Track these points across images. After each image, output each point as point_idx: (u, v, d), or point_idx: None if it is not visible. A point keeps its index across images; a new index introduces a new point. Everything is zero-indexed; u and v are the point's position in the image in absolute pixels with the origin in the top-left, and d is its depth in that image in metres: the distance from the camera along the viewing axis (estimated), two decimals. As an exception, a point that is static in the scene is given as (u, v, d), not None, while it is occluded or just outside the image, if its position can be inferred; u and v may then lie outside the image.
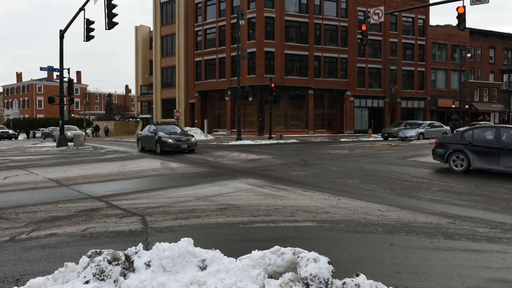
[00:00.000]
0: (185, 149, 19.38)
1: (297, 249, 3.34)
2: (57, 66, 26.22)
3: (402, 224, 6.05)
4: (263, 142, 29.77)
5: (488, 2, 18.66)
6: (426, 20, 48.58)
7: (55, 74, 48.94)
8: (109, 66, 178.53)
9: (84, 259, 3.31)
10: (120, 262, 3.27)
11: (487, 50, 57.75)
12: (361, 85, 45.20)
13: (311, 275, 3.04)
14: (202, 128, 41.40)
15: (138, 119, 61.15)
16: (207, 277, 3.20)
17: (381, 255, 4.66)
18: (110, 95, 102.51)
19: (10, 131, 46.97)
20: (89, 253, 3.36)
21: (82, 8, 22.70)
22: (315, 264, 3.09)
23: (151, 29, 55.65)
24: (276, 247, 3.42)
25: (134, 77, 61.62)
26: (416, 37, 48.07)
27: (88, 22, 22.45)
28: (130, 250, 3.48)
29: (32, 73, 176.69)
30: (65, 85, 26.51)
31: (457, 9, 19.79)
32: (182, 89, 47.78)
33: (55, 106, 32.75)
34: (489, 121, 56.22)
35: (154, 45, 51.85)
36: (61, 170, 13.28)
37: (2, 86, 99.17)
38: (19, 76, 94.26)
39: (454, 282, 3.88)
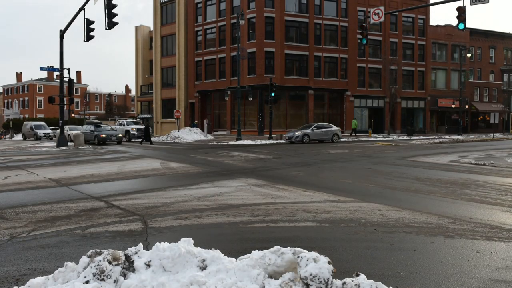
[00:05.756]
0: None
1: (297, 249, 3.34)
2: (57, 66, 26.23)
3: (402, 224, 6.05)
4: (263, 142, 29.78)
5: (488, 2, 18.67)
6: (426, 20, 48.59)
7: (55, 74, 48.99)
8: (109, 66, 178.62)
9: (84, 259, 3.31)
10: (120, 262, 3.27)
11: (487, 50, 57.75)
12: (361, 85, 45.22)
13: (311, 275, 3.03)
14: (202, 128, 41.40)
15: (138, 119, 61.15)
16: (207, 277, 3.20)
17: (381, 255, 4.65)
18: (110, 95, 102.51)
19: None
20: (89, 253, 3.36)
21: (82, 8, 22.70)
22: (315, 264, 3.09)
23: (151, 29, 55.66)
24: (276, 247, 3.42)
25: (134, 77, 61.65)
26: (416, 37, 48.08)
27: (88, 22, 22.45)
28: (130, 250, 3.48)
29: (32, 73, 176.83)
30: (65, 85, 26.51)
31: (457, 9, 19.79)
32: (182, 89, 47.78)
33: (55, 106, 32.78)
34: (489, 121, 56.28)
35: (154, 45, 51.85)
36: (61, 170, 13.28)
37: (2, 86, 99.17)
38: (19, 76, 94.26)
39: (454, 282, 3.88)
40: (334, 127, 31.26)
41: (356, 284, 3.06)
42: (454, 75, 51.09)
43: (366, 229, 5.75)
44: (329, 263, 3.11)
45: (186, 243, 3.47)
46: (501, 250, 4.82)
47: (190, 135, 34.51)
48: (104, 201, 7.83)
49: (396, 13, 44.61)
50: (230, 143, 28.93)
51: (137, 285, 3.13)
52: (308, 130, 29.31)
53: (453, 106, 48.92)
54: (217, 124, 45.63)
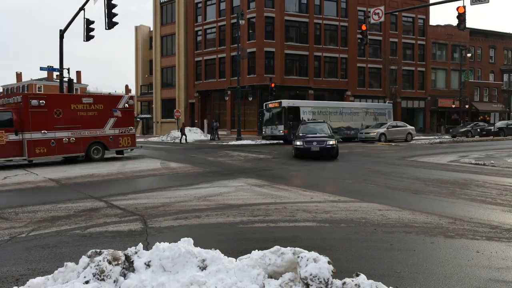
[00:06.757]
0: None
1: (297, 249, 3.33)
2: (57, 66, 26.20)
3: (402, 224, 6.04)
4: (263, 142, 29.76)
5: (488, 2, 18.67)
6: (426, 20, 48.59)
7: (55, 74, 48.96)
8: (109, 66, 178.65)
9: (84, 259, 3.30)
10: (120, 262, 3.27)
11: (487, 50, 57.74)
12: (361, 85, 45.20)
13: (311, 275, 3.03)
14: (202, 128, 41.38)
15: (138, 119, 61.14)
16: (207, 277, 3.19)
17: (381, 255, 4.65)
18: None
19: None
20: (89, 253, 3.36)
21: (82, 8, 22.68)
22: (315, 264, 3.08)
23: (151, 29, 55.66)
24: (276, 247, 3.42)
25: (134, 77, 61.63)
26: (416, 37, 48.07)
27: (88, 22, 22.43)
28: (130, 250, 3.48)
29: (32, 73, 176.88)
30: (65, 85, 26.49)
31: (457, 9, 19.79)
32: (182, 89, 47.78)
33: (55, 106, 32.74)
34: (489, 121, 56.24)
35: (154, 45, 51.86)
36: (61, 170, 13.28)
37: (2, 86, 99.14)
38: (19, 76, 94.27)
39: (454, 282, 3.87)
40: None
41: (356, 284, 3.06)
42: (454, 75, 51.09)
43: (366, 229, 5.74)
44: (329, 263, 3.11)
45: (186, 243, 3.47)
46: (501, 250, 4.82)
47: (190, 135, 34.50)
48: (104, 201, 7.83)
49: (396, 13, 44.61)
50: (230, 143, 28.92)
51: (137, 285, 3.12)
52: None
53: (453, 106, 48.92)
54: (217, 124, 45.63)
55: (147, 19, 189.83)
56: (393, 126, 30.41)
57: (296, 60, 41.92)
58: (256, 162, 15.39)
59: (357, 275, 3.17)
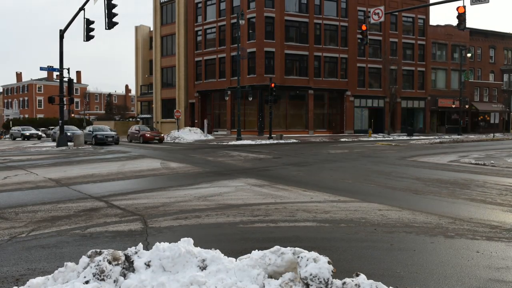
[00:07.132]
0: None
1: (297, 249, 3.33)
2: (57, 66, 26.21)
3: (402, 224, 6.04)
4: (263, 142, 29.77)
5: (488, 2, 18.67)
6: (426, 20, 48.60)
7: (55, 74, 49.00)
8: (109, 66, 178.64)
9: (84, 259, 3.30)
10: (120, 262, 3.27)
11: (487, 50, 57.74)
12: (361, 85, 45.22)
13: (311, 275, 3.03)
14: (202, 128, 41.38)
15: (138, 119, 61.16)
16: (207, 277, 3.20)
17: (381, 255, 4.65)
18: (110, 95, 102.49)
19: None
20: (89, 253, 3.36)
21: (82, 8, 22.69)
22: (315, 264, 3.08)
23: (151, 29, 55.67)
24: (276, 247, 3.42)
25: (134, 77, 61.65)
26: (416, 37, 48.08)
27: (88, 22, 22.45)
28: (130, 250, 3.48)
29: (32, 73, 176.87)
30: (65, 85, 26.49)
31: (457, 9, 19.79)
32: (182, 89, 47.79)
33: (55, 106, 32.76)
34: (489, 121, 56.24)
35: (154, 45, 51.86)
36: (61, 170, 13.28)
37: (2, 86, 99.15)
38: (19, 76, 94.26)
39: (454, 282, 3.87)
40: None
41: (356, 284, 3.06)
42: (454, 75, 51.09)
43: (366, 229, 5.74)
44: (329, 263, 3.11)
45: (186, 243, 3.47)
46: (501, 250, 4.82)
47: (190, 135, 34.52)
48: (104, 201, 7.83)
49: (396, 13, 44.61)
50: (230, 143, 28.93)
51: (137, 285, 3.13)
52: None
53: (453, 106, 48.93)
54: (217, 124, 45.62)
55: (147, 19, 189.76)
56: None
57: (296, 60, 41.93)
58: (256, 162, 15.39)
59: (357, 275, 3.17)
